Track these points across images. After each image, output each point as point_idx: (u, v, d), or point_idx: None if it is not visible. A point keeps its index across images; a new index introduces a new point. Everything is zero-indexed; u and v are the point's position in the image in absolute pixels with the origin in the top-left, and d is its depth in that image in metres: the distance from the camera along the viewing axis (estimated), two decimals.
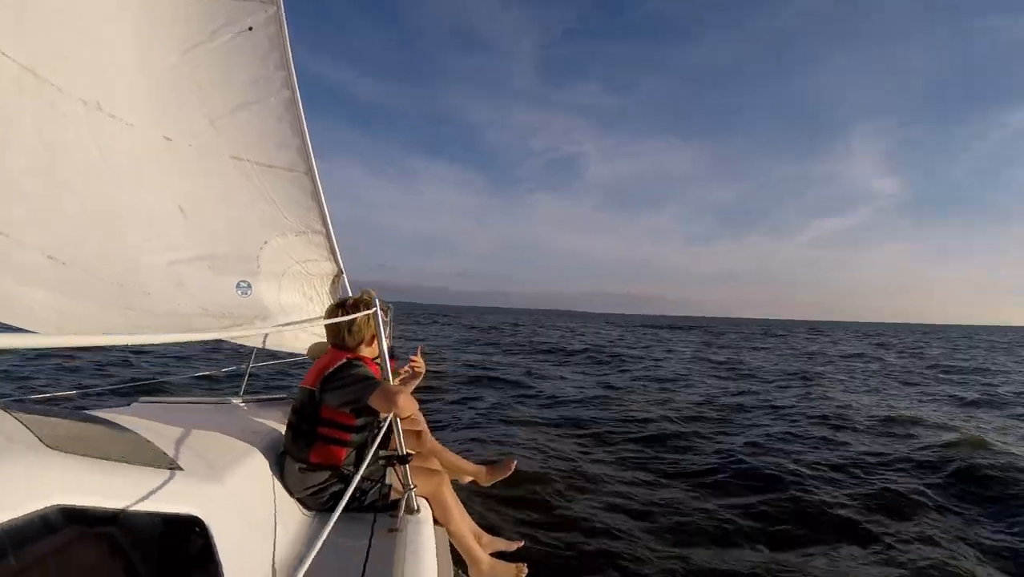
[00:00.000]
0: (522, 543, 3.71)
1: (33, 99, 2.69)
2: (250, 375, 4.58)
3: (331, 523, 1.92)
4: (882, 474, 8.06)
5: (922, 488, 7.44)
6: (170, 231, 3.57)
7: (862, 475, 7.99)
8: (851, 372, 22.88)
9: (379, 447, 3.16)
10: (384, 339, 2.98)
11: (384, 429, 2.96)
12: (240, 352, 4.73)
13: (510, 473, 4.21)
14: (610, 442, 9.11)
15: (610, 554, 5.08)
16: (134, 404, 3.70)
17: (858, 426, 11.17)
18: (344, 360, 2.99)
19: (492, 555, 3.50)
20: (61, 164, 2.94)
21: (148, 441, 2.20)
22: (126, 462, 1.81)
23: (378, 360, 3.14)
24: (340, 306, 3.29)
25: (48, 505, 1.40)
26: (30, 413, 1.95)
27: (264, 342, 4.35)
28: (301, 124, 3.56)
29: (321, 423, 2.95)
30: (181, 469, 2.03)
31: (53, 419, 2.00)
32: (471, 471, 4.17)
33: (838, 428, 10.98)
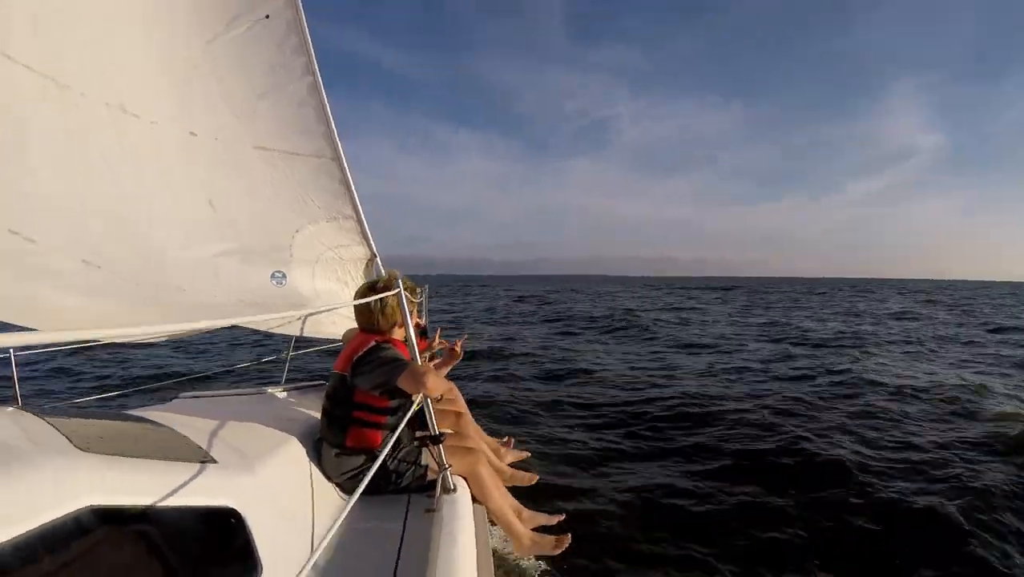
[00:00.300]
0: (563, 517, 3.66)
1: (57, 107, 2.69)
2: (291, 363, 4.61)
3: (351, 502, 1.94)
4: (957, 459, 7.01)
5: (1000, 474, 6.45)
6: (201, 226, 3.58)
7: (934, 459, 7.04)
8: (905, 333, 21.85)
9: (415, 429, 3.20)
10: (410, 319, 2.93)
11: (414, 409, 2.96)
12: (282, 343, 4.76)
13: (530, 484, 4.23)
14: (650, 421, 8.67)
15: (652, 532, 5.04)
16: (175, 400, 3.72)
17: (922, 397, 10.22)
18: (373, 343, 2.98)
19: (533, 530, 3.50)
20: (89, 169, 2.94)
21: (183, 436, 2.22)
22: (158, 458, 1.83)
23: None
24: (371, 289, 3.23)
25: (80, 506, 1.41)
26: (63, 416, 1.98)
27: (302, 330, 4.36)
28: (325, 109, 3.53)
29: (355, 407, 2.96)
30: (215, 462, 2.05)
31: (86, 420, 2.04)
32: (496, 465, 4.15)
33: (901, 400, 10.03)
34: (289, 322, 4.28)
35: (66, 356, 11.13)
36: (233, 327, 4.04)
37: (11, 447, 1.53)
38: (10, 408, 2.12)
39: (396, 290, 2.91)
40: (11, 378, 3.19)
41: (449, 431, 3.91)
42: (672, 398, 9.75)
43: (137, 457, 1.75)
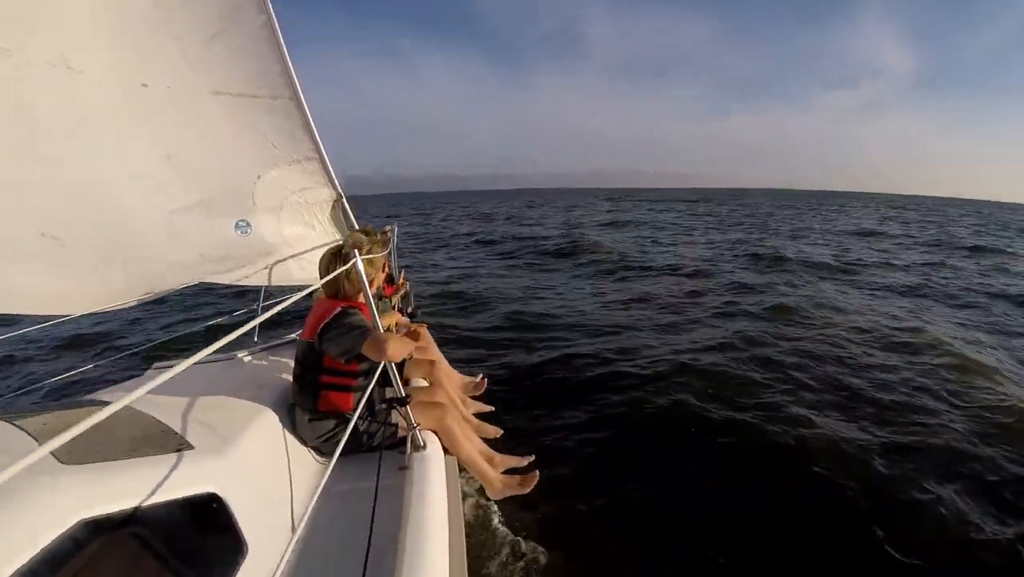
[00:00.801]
0: (532, 457, 3.76)
1: None
2: (264, 314, 4.48)
3: (331, 467, 2.12)
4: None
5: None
6: (159, 182, 3.39)
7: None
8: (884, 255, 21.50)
9: (383, 389, 3.33)
10: (369, 288, 2.94)
11: (379, 373, 3.06)
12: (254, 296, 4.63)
13: (495, 436, 4.26)
14: (607, 357, 8.03)
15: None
16: (148, 372, 3.73)
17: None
18: (339, 309, 3.01)
19: (505, 472, 3.60)
20: (38, 135, 2.75)
21: (158, 422, 2.24)
22: (138, 456, 1.87)
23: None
24: (335, 256, 3.23)
25: (73, 523, 1.47)
26: (36, 417, 1.98)
27: (269, 279, 4.23)
28: (280, 48, 3.30)
29: (325, 372, 3.03)
30: (191, 448, 2.09)
31: (61, 417, 2.04)
32: (464, 415, 4.18)
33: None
34: (257, 272, 4.14)
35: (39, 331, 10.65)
36: (203, 281, 3.91)
37: None
38: None
39: (352, 261, 2.87)
40: None
41: (424, 381, 3.96)
42: (627, 331, 9.64)
43: (117, 460, 1.78)
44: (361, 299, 3.20)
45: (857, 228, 33.79)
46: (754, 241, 24.61)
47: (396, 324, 4.48)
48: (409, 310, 5.02)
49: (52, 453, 1.63)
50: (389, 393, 3.26)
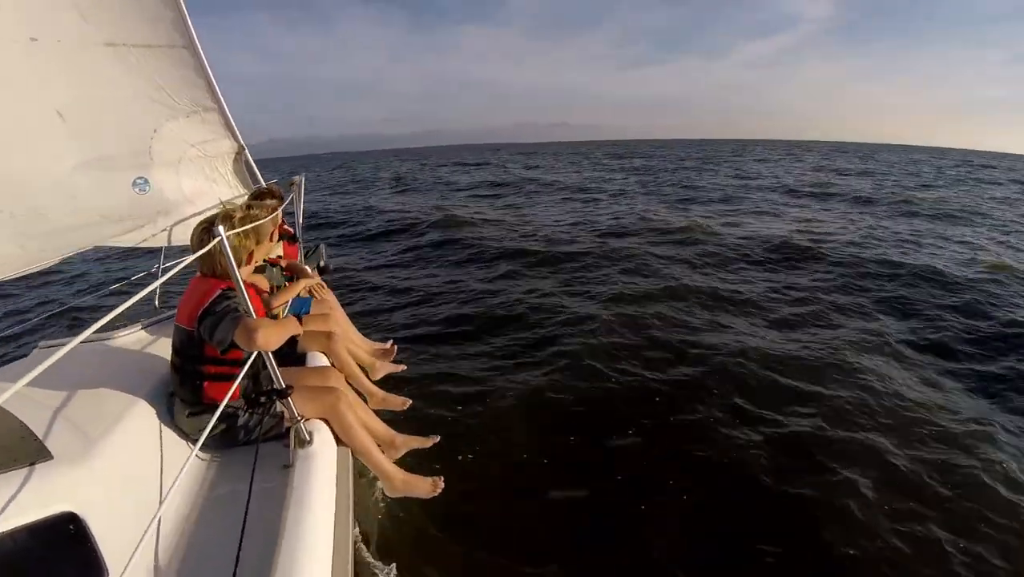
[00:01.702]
0: (438, 439, 3.58)
1: None
2: (163, 274, 4.25)
3: (184, 465, 1.87)
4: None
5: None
6: (53, 141, 3.19)
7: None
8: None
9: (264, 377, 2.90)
10: (235, 267, 2.47)
11: (253, 363, 2.71)
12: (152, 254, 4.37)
13: (403, 407, 4.05)
14: (523, 323, 7.60)
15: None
16: (34, 351, 3.36)
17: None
18: (219, 292, 2.64)
19: (409, 457, 3.46)
20: None
21: (20, 424, 2.04)
22: None
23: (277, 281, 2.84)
24: (208, 229, 2.79)
25: None
26: None
27: (170, 239, 4.03)
28: None
29: (206, 361, 2.72)
30: (50, 457, 1.91)
31: None
32: (367, 388, 3.97)
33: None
34: (157, 234, 3.94)
35: None
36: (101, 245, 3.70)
37: None
38: None
39: (218, 238, 2.42)
40: None
41: (321, 355, 3.70)
42: (550, 296, 9.04)
43: None
44: (243, 274, 2.83)
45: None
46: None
47: (303, 286, 3.97)
48: (320, 263, 4.86)
49: None
50: (265, 389, 2.92)
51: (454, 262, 11.14)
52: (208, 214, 3.92)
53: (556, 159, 57.06)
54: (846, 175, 33.31)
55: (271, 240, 3.31)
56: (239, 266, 2.75)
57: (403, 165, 58.33)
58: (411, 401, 4.05)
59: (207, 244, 2.59)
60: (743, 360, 6.09)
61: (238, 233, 2.78)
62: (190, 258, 2.44)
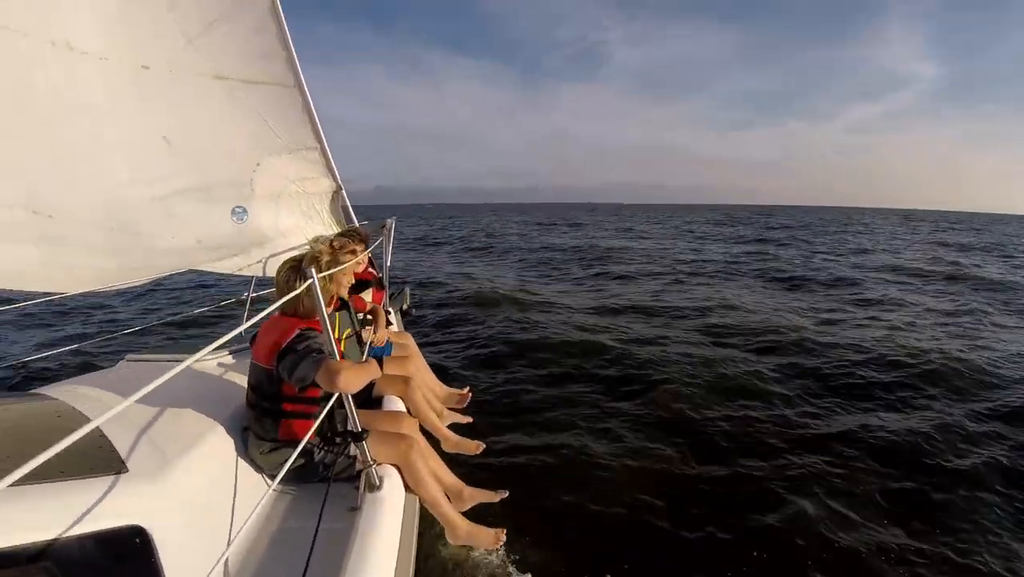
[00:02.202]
0: (506, 494, 3.49)
1: None
2: (252, 304, 4.41)
3: (265, 498, 1.96)
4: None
5: None
6: (156, 164, 3.35)
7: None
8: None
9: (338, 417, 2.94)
10: (324, 307, 2.56)
11: (332, 403, 2.72)
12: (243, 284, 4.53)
13: (476, 452, 3.98)
14: (617, 382, 7.41)
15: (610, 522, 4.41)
16: (120, 363, 3.48)
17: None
18: (297, 332, 2.70)
19: (476, 510, 3.37)
20: (37, 113, 2.71)
21: (99, 435, 2.07)
22: (64, 478, 1.72)
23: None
24: (294, 269, 2.87)
25: None
26: None
27: (264, 270, 4.17)
28: (284, 34, 3.28)
29: (284, 399, 2.76)
30: (126, 471, 1.92)
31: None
32: (441, 433, 3.96)
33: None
34: (250, 264, 4.08)
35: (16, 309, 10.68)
36: (195, 268, 3.84)
37: None
38: None
39: (310, 281, 2.51)
40: None
41: (397, 399, 3.70)
42: (641, 350, 8.79)
43: (43, 482, 1.66)
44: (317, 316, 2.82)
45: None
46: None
47: (377, 331, 3.99)
48: (404, 307, 4.91)
49: None
50: (350, 421, 2.88)
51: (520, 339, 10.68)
52: (300, 250, 4.05)
53: (652, 223, 55.29)
54: (969, 252, 29.30)
55: (349, 284, 3.38)
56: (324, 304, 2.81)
57: (496, 222, 58.84)
58: (484, 446, 3.99)
59: (293, 282, 2.73)
60: None
61: (324, 277, 2.79)
62: (283, 299, 2.59)
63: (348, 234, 4.01)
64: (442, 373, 4.92)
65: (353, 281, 3.62)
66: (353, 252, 3.43)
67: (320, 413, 2.70)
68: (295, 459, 2.49)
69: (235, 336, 3.41)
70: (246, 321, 4.10)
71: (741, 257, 23.48)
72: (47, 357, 3.76)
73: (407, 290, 5.09)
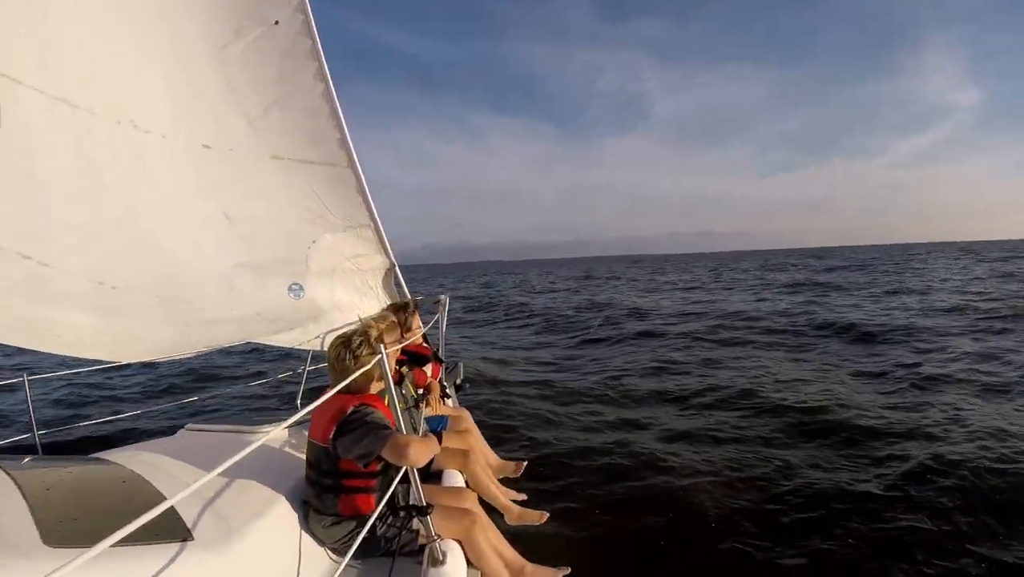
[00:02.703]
0: (568, 570, 3.42)
1: (68, 128, 2.67)
2: (307, 377, 4.52)
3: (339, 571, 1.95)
4: None
5: None
6: (218, 240, 3.53)
7: None
8: None
9: (408, 486, 2.99)
10: (392, 383, 2.68)
11: (399, 478, 2.76)
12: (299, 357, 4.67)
13: (540, 522, 3.95)
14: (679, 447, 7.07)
15: None
16: (180, 432, 3.57)
17: None
18: (351, 408, 2.74)
19: None
20: (103, 188, 2.91)
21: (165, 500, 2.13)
22: (130, 543, 1.69)
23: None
24: (346, 344, 2.89)
25: None
26: (38, 474, 1.93)
27: (323, 344, 4.28)
28: (338, 116, 3.46)
29: (342, 475, 2.78)
30: (192, 540, 1.95)
31: (63, 481, 2.00)
32: (503, 505, 3.95)
33: None
34: (307, 338, 4.20)
35: (83, 375, 11.20)
36: (252, 341, 3.96)
37: None
38: None
39: (378, 356, 2.62)
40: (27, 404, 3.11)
41: (457, 473, 3.73)
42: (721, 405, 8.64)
43: (108, 545, 1.70)
44: (371, 389, 2.95)
45: None
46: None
47: (432, 403, 4.10)
48: (458, 381, 4.94)
49: (39, 528, 1.59)
50: (413, 495, 2.97)
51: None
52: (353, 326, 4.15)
53: (695, 272, 52.46)
54: None
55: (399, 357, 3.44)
56: (371, 382, 2.91)
57: (541, 280, 57.55)
58: (548, 515, 3.95)
59: (344, 359, 2.79)
60: None
61: (372, 352, 2.83)
62: (351, 377, 2.65)
63: (400, 307, 4.10)
64: (494, 442, 4.87)
65: (421, 347, 3.69)
66: (406, 325, 3.50)
67: (381, 487, 2.79)
68: (358, 533, 2.51)
69: (290, 407, 3.49)
70: (301, 394, 4.24)
71: (794, 308, 21.51)
72: (107, 422, 3.88)
73: (461, 365, 5.12)
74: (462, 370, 5.08)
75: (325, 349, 4.17)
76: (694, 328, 17.72)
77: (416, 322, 4.11)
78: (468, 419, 4.41)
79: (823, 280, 35.09)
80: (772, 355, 13.17)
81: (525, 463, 4.60)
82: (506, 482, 4.33)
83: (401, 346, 2.97)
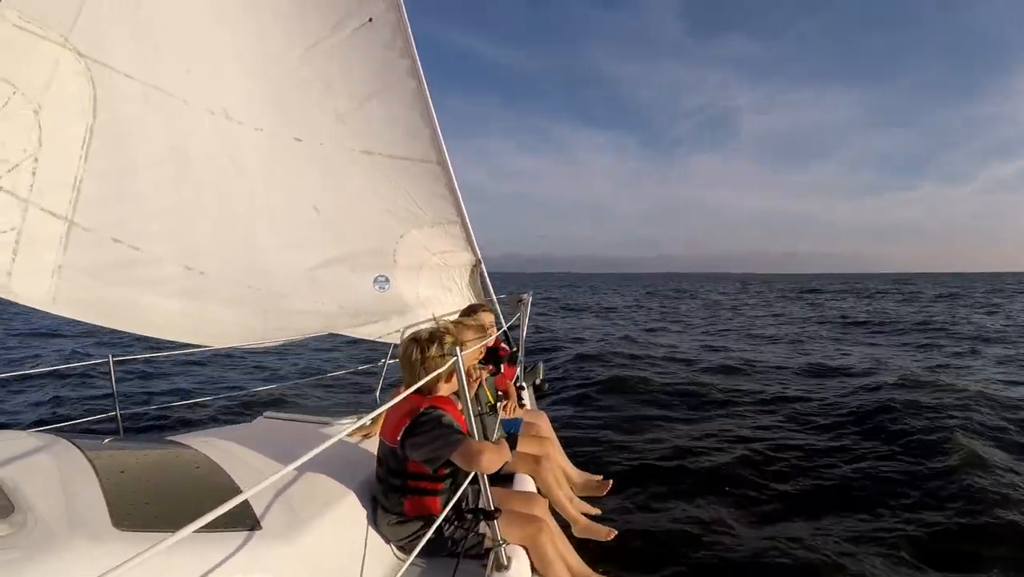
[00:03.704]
0: None
1: (160, 115, 2.74)
2: (388, 370, 4.52)
3: (388, 572, 2.02)
4: None
5: None
6: (305, 231, 3.58)
7: None
8: None
9: (476, 488, 2.89)
10: (466, 386, 2.57)
11: (467, 482, 2.71)
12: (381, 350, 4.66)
13: (607, 538, 3.79)
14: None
15: None
16: (259, 418, 3.61)
17: None
18: (422, 409, 2.67)
19: None
20: (193, 176, 2.98)
21: (235, 490, 2.12)
22: (198, 529, 1.77)
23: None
24: (416, 341, 2.83)
25: None
26: (119, 451, 1.99)
27: (403, 338, 4.29)
28: (430, 113, 3.43)
29: (410, 476, 2.74)
30: (260, 528, 1.95)
31: (138, 462, 2.04)
32: (571, 516, 3.82)
33: None
34: (389, 331, 4.21)
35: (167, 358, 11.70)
36: (335, 332, 4.00)
37: (46, 525, 1.52)
38: (63, 442, 2.09)
39: (453, 359, 2.53)
40: (112, 387, 3.22)
41: (528, 478, 3.65)
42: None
43: (175, 530, 1.71)
44: (440, 391, 2.87)
45: None
46: None
47: (509, 407, 3.98)
48: (537, 382, 4.82)
49: (110, 510, 1.62)
50: (482, 499, 2.86)
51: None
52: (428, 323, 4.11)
53: (777, 297, 48.36)
54: None
55: (475, 361, 3.36)
56: (438, 383, 2.81)
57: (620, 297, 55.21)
58: (616, 533, 3.81)
59: (412, 355, 2.73)
60: None
61: (444, 353, 2.75)
62: (425, 379, 2.57)
63: (474, 309, 4.04)
64: (575, 456, 4.73)
65: (480, 358, 3.60)
66: (480, 327, 3.43)
67: (449, 489, 2.74)
68: (423, 534, 2.49)
69: (372, 400, 3.49)
70: (380, 388, 4.25)
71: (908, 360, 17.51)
72: (188, 405, 4.00)
73: (541, 365, 4.98)
74: (542, 370, 4.94)
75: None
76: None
77: (489, 320, 4.03)
78: (545, 423, 4.27)
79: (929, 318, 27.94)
80: None
81: (611, 483, 4.42)
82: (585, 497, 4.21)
83: (476, 347, 2.90)
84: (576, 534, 3.68)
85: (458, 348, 2.49)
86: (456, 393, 2.78)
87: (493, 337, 3.76)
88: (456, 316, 4.03)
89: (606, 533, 3.78)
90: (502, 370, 4.11)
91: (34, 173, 2.72)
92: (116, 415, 3.25)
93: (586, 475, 4.41)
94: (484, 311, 4.01)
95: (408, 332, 3.96)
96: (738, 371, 13.18)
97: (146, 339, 3.42)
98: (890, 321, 24.98)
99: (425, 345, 2.76)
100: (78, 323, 3.32)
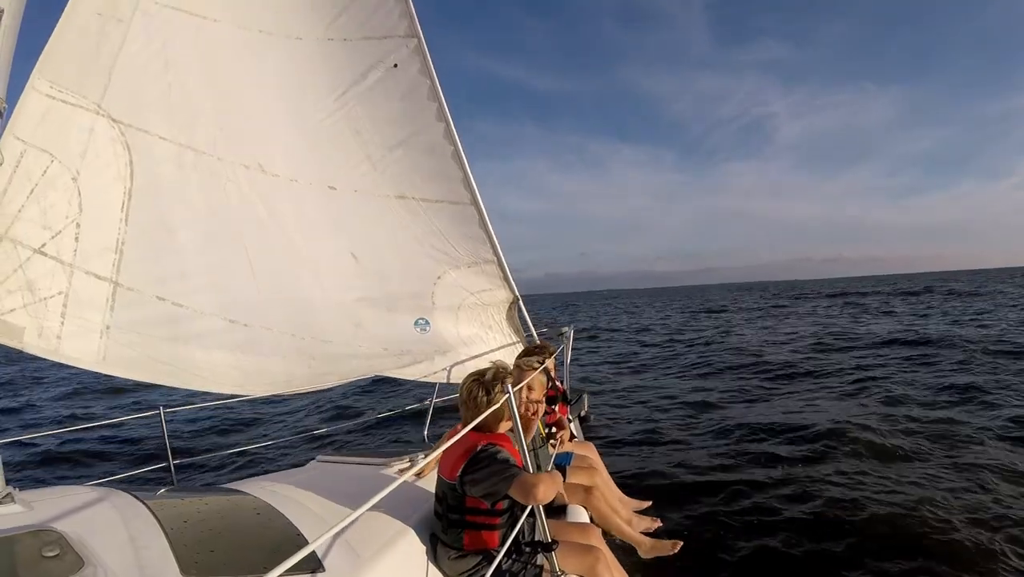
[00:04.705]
0: None
1: (196, 173, 2.84)
2: (435, 410, 4.58)
3: None
4: None
5: None
6: (344, 278, 3.63)
7: None
8: None
9: (533, 521, 2.94)
10: (519, 420, 2.68)
11: (525, 516, 2.75)
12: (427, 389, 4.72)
13: (673, 552, 3.81)
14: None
15: None
16: (311, 463, 3.68)
17: None
18: (479, 446, 2.75)
19: None
20: (231, 230, 3.06)
21: (296, 533, 2.17)
22: (265, 573, 1.81)
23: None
24: (479, 380, 2.90)
25: None
26: (174, 506, 2.01)
27: (448, 377, 4.34)
28: (460, 154, 3.50)
29: (468, 512, 2.79)
30: (323, 570, 1.98)
31: (199, 513, 2.05)
32: (634, 539, 3.86)
33: None
34: (434, 371, 4.26)
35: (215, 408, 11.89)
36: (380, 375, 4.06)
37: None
38: (123, 494, 2.14)
39: (507, 395, 2.63)
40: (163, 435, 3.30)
41: (581, 509, 3.67)
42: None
43: (248, 576, 1.71)
44: (499, 428, 2.93)
45: None
46: None
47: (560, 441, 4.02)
48: (582, 414, 4.84)
49: (176, 558, 1.66)
50: (538, 531, 2.91)
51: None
52: (483, 360, 4.18)
53: (822, 305, 46.24)
54: None
55: (539, 400, 3.43)
56: (500, 421, 2.89)
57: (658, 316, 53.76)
58: (681, 543, 3.82)
59: (476, 396, 2.81)
60: None
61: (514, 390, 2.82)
62: (482, 416, 2.64)
63: (536, 351, 4.09)
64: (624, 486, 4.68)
65: (544, 398, 3.65)
66: (541, 366, 3.49)
67: (506, 523, 2.79)
68: (482, 567, 2.59)
69: (421, 439, 3.53)
70: (428, 426, 4.29)
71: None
72: (239, 452, 4.06)
73: (585, 397, 5.01)
74: (587, 402, 4.98)
75: (450, 382, 4.23)
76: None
77: (551, 363, 4.09)
78: (594, 454, 4.29)
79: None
80: None
81: (659, 523, 4.35)
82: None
83: (543, 391, 2.97)
84: (643, 556, 3.75)
85: (510, 386, 2.59)
86: (511, 430, 2.85)
87: (551, 361, 3.82)
88: (513, 355, 4.11)
89: (671, 546, 3.81)
90: (557, 409, 4.16)
91: (77, 238, 2.82)
92: (169, 465, 3.33)
93: (631, 500, 4.39)
94: (548, 354, 4.06)
95: (458, 368, 4.03)
96: None
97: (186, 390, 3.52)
98: None
99: (489, 386, 2.83)
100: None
